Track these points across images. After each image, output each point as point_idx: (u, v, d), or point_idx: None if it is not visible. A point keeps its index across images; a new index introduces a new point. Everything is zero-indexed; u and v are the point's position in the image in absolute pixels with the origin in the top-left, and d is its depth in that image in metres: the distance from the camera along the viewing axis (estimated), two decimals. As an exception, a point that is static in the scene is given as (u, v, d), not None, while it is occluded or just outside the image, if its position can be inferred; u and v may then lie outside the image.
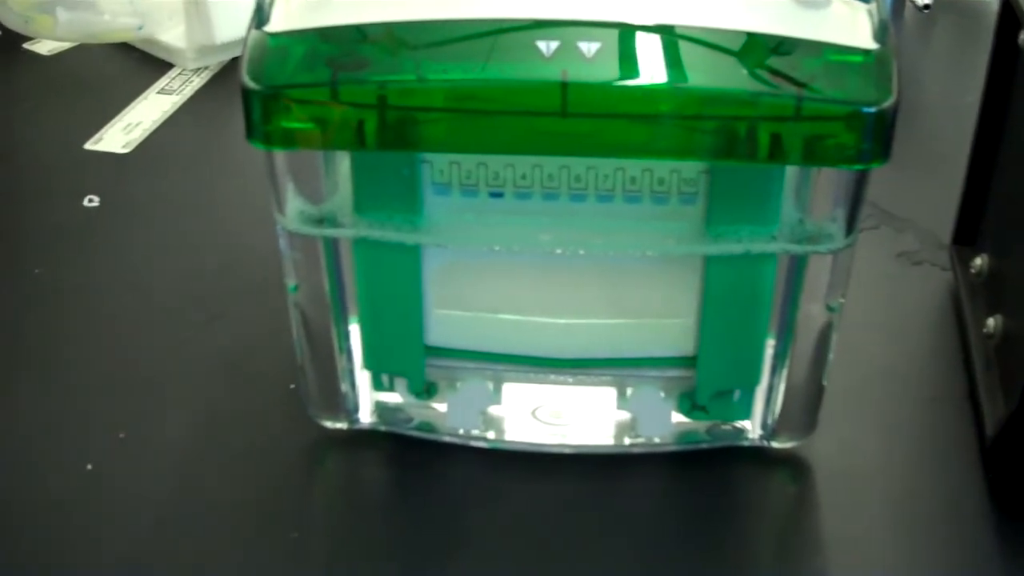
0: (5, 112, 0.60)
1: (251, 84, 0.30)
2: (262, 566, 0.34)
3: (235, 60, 0.64)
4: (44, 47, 0.65)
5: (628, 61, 0.29)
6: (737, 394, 0.37)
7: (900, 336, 0.44)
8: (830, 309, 0.34)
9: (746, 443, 0.38)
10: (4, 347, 0.43)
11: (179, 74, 0.62)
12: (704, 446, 0.38)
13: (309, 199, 0.33)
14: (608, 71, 0.29)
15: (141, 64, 0.64)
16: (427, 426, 0.38)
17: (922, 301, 0.46)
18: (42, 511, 0.36)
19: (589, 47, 0.29)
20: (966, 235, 0.45)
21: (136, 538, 0.35)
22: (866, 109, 0.29)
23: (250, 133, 0.31)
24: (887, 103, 0.29)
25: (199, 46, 0.62)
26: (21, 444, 0.38)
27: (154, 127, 0.57)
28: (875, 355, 0.42)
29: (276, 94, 0.30)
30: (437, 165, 0.33)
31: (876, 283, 0.46)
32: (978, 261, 0.43)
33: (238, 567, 0.34)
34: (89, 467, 0.37)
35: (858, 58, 0.31)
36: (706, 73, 0.30)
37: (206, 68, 0.63)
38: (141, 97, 0.60)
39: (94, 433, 0.39)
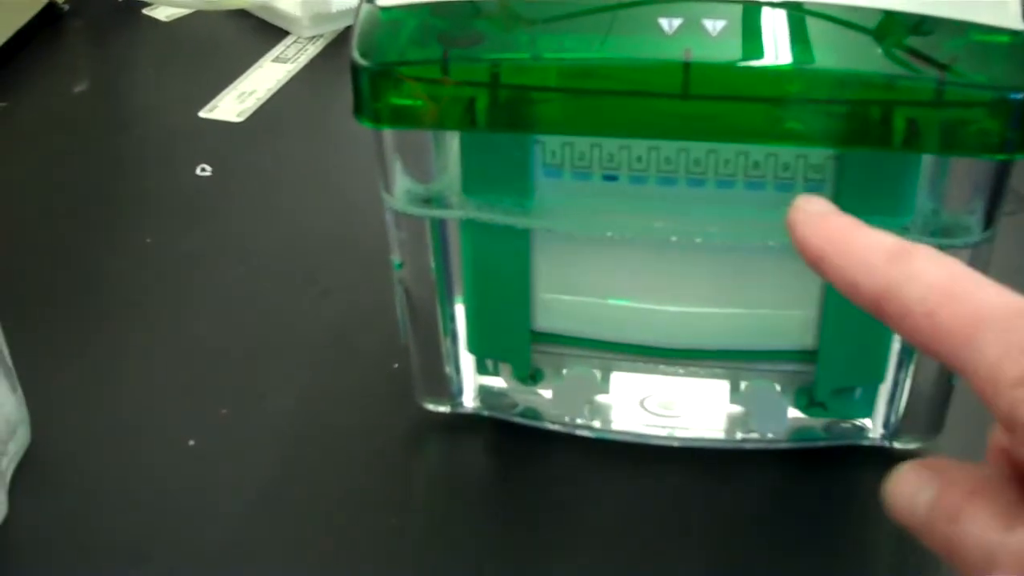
0: (124, 78, 0.61)
1: (361, 60, 0.29)
2: (360, 548, 0.34)
3: (350, 28, 0.63)
4: (163, 13, 0.65)
5: (755, 40, 0.28)
6: (859, 391, 0.35)
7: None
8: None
9: (866, 443, 0.36)
10: (113, 316, 0.43)
11: (294, 42, 0.62)
12: (821, 444, 0.36)
13: (417, 179, 0.32)
14: (733, 51, 0.27)
15: (257, 31, 0.63)
16: (531, 413, 0.37)
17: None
18: (144, 486, 0.36)
19: (714, 25, 0.28)
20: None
21: (234, 516, 0.35)
22: (1013, 95, 0.27)
23: (358, 110, 0.30)
24: (1036, 89, 0.27)
25: (315, 13, 0.61)
26: (125, 417, 0.38)
27: (268, 95, 0.57)
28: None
29: (386, 71, 0.29)
30: (549, 146, 0.31)
31: (1013, 274, 0.43)
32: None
33: (335, 549, 0.34)
34: (191, 443, 0.37)
35: (1005, 39, 0.28)
36: (838, 53, 0.28)
37: (321, 36, 0.62)
38: (256, 65, 0.60)
39: (197, 408, 0.39)
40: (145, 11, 0.66)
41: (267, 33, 0.63)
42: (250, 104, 0.56)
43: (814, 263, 0.26)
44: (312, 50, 0.61)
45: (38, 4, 0.63)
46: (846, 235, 0.26)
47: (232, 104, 0.56)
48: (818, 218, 0.27)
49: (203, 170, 0.51)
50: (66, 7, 0.65)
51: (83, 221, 0.48)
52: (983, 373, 0.22)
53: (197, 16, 0.65)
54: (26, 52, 0.61)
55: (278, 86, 0.58)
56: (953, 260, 0.25)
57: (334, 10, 0.61)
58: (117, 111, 0.58)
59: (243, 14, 0.65)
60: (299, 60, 0.60)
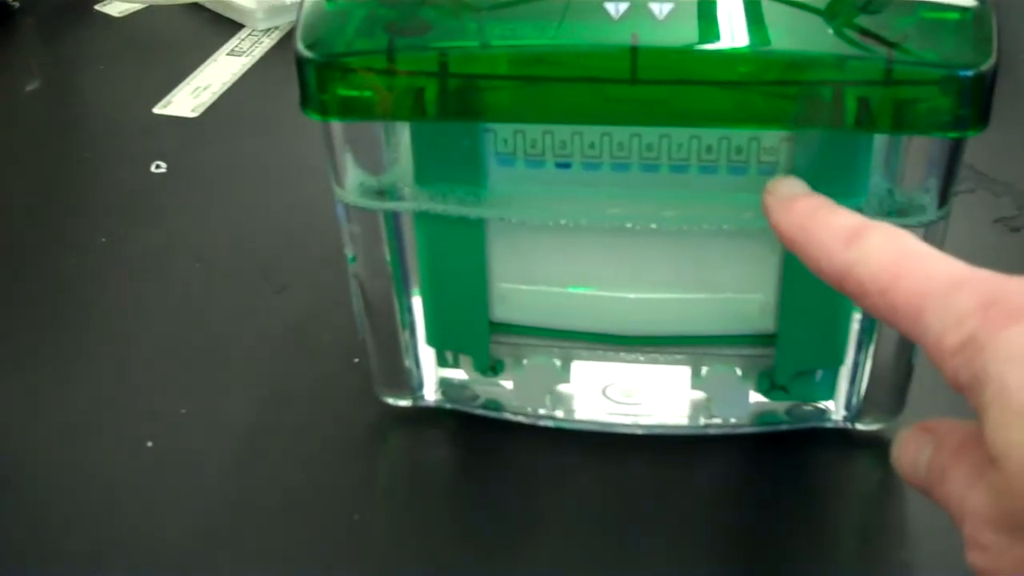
0: (77, 75, 0.60)
1: (305, 52, 0.29)
2: (324, 546, 0.34)
3: (305, 20, 0.62)
4: (115, 8, 0.65)
5: (702, 23, 0.27)
6: (819, 374, 0.35)
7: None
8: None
9: (829, 425, 0.36)
10: (68, 316, 0.42)
11: (249, 35, 0.61)
12: (784, 428, 0.36)
13: (369, 171, 0.32)
14: (681, 34, 0.27)
15: (211, 25, 0.63)
16: (493, 404, 0.37)
17: (1020, 269, 0.43)
18: (102, 487, 0.35)
19: (661, 8, 0.27)
20: (1069, 202, 0.42)
21: (196, 515, 0.34)
22: (963, 72, 0.27)
23: (305, 103, 0.29)
24: (986, 66, 0.27)
25: (269, 6, 0.61)
26: (82, 418, 0.38)
27: (223, 90, 0.56)
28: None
29: (332, 62, 0.28)
30: (501, 134, 0.31)
31: (971, 250, 0.43)
32: (1082, 230, 0.40)
33: (299, 546, 0.34)
34: (150, 444, 0.37)
35: (954, 15, 0.28)
36: (788, 34, 0.28)
37: (276, 29, 0.62)
38: (211, 59, 0.59)
39: (156, 408, 0.38)
40: (97, 7, 0.65)
41: (221, 27, 0.62)
42: (205, 99, 0.56)
43: (788, 247, 0.28)
44: (267, 43, 0.61)
45: (-14, 2, 0.62)
46: (809, 220, 0.27)
47: (186, 99, 0.56)
48: (787, 203, 0.28)
49: (157, 167, 0.50)
50: (16, 5, 0.64)
51: (36, 220, 0.48)
52: (931, 344, 0.24)
53: (150, 11, 0.64)
54: (-25, 52, 0.60)
55: (233, 80, 0.57)
56: (905, 236, 0.26)
57: (288, 2, 0.61)
58: (70, 109, 0.57)
59: (197, 8, 0.64)
60: (254, 53, 0.60)
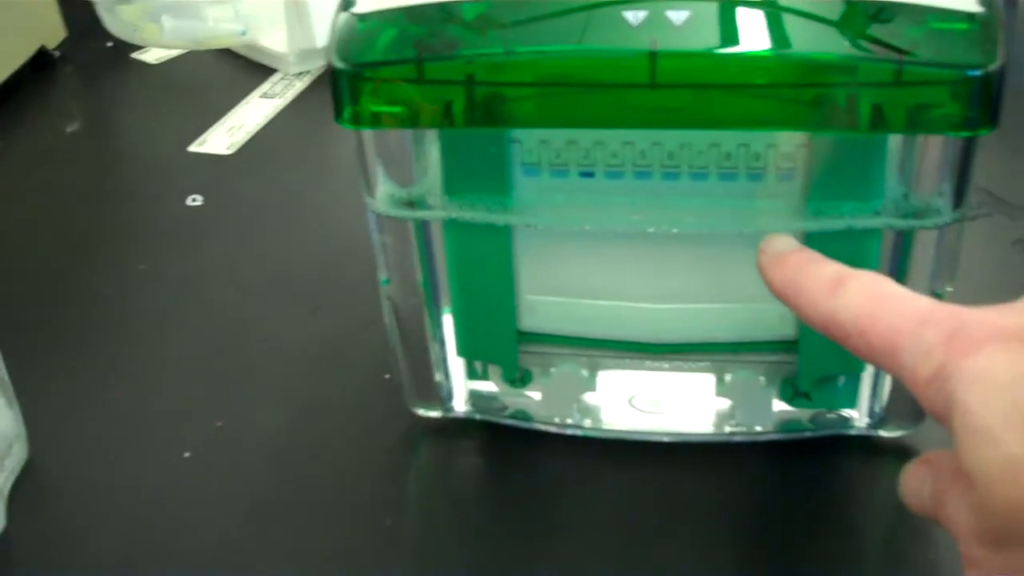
0: (115, 117, 0.62)
1: (339, 64, 0.30)
2: (357, 553, 0.34)
3: (335, 63, 0.64)
4: (151, 56, 0.67)
5: (719, 29, 0.29)
6: (842, 380, 0.36)
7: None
8: (937, 295, 0.33)
9: (852, 432, 0.37)
10: (108, 339, 0.44)
11: (281, 79, 0.63)
12: (807, 435, 0.37)
13: (399, 181, 0.33)
14: (698, 39, 0.28)
15: (244, 70, 0.65)
16: (522, 414, 0.38)
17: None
18: (140, 498, 0.36)
19: (678, 16, 0.28)
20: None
21: (231, 525, 0.35)
22: (971, 72, 0.28)
23: (339, 114, 0.31)
24: (993, 66, 0.28)
25: (300, 50, 0.62)
26: (121, 432, 0.39)
27: (256, 129, 0.58)
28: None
29: (363, 73, 0.30)
30: (526, 144, 0.32)
31: (991, 272, 0.44)
32: (1099, 245, 0.41)
33: (333, 554, 0.34)
34: (187, 455, 0.38)
35: (962, 24, 0.29)
36: (801, 41, 0.29)
37: (307, 72, 0.64)
38: (244, 101, 0.61)
39: (192, 422, 0.39)
40: (134, 55, 0.67)
41: (254, 71, 0.64)
42: (239, 138, 0.57)
43: (782, 300, 0.30)
44: (299, 86, 0.62)
45: (29, 51, 0.64)
46: (797, 274, 0.30)
47: (221, 138, 0.57)
48: (779, 259, 0.31)
49: (193, 200, 0.52)
50: (57, 53, 0.66)
51: (77, 249, 0.49)
52: (908, 378, 0.26)
53: (185, 58, 0.66)
54: (18, 96, 0.62)
55: (266, 120, 0.59)
56: (883, 281, 0.28)
57: (319, 46, 0.62)
58: (109, 148, 0.59)
59: (230, 54, 0.66)
60: (286, 95, 0.61)
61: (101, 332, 0.44)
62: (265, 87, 0.62)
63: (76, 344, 0.43)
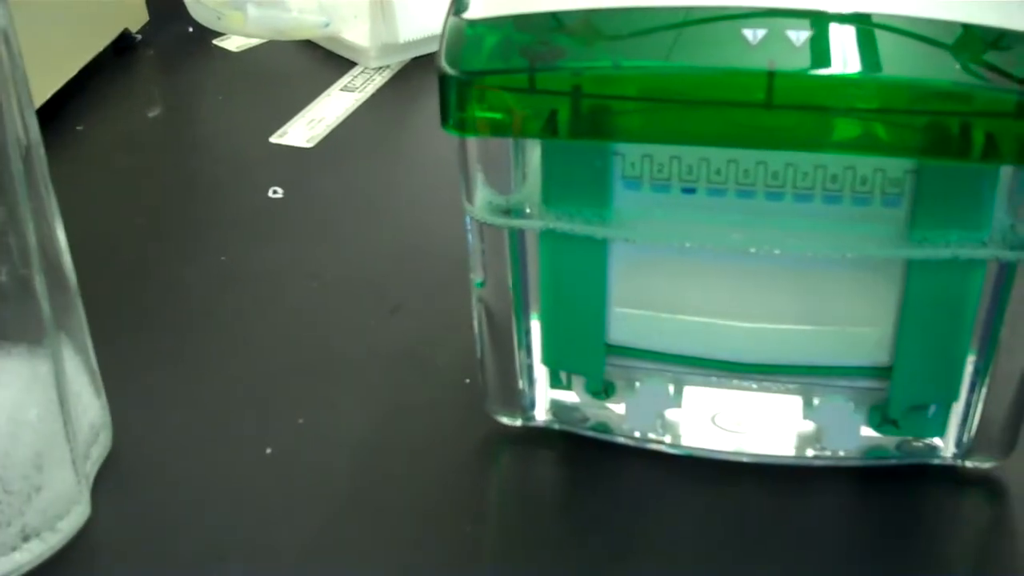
0: (197, 105, 0.62)
1: (448, 70, 0.30)
2: (437, 558, 0.34)
3: (416, 60, 0.64)
4: (233, 44, 0.67)
5: (838, 52, 0.28)
6: (932, 409, 0.35)
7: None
8: (1040, 327, 0.32)
9: (937, 461, 0.36)
10: (189, 327, 0.44)
11: (361, 72, 0.63)
12: (892, 462, 0.36)
13: (498, 189, 0.33)
14: (816, 61, 0.28)
15: (325, 62, 0.65)
16: (603, 427, 0.38)
17: None
18: (221, 492, 0.36)
19: (798, 36, 0.28)
20: None
21: (311, 524, 0.35)
22: (1094, 107, 0.27)
23: (445, 120, 0.30)
24: (1117, 101, 0.27)
25: (382, 45, 0.63)
26: (203, 424, 0.39)
27: (336, 123, 0.58)
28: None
29: (472, 80, 0.30)
30: (629, 158, 0.32)
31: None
32: None
33: (411, 557, 0.34)
34: (269, 451, 0.38)
35: (1082, 55, 0.29)
36: (918, 66, 0.29)
37: (387, 67, 0.64)
38: (324, 94, 0.61)
39: (274, 417, 0.39)
40: (215, 41, 0.67)
41: (334, 63, 0.64)
42: (319, 131, 0.57)
43: None
44: (379, 80, 0.63)
45: (111, 34, 0.64)
46: None
47: (301, 130, 0.57)
48: None
49: (275, 192, 0.52)
50: (138, 37, 0.67)
51: (160, 238, 0.50)
52: None
53: (266, 47, 0.67)
54: (99, 79, 0.63)
55: (346, 114, 0.59)
56: None
57: (401, 41, 0.62)
58: (190, 135, 0.59)
59: (311, 45, 0.66)
60: (366, 90, 0.61)
61: (184, 323, 0.44)
62: (345, 80, 0.63)
63: (160, 334, 0.43)
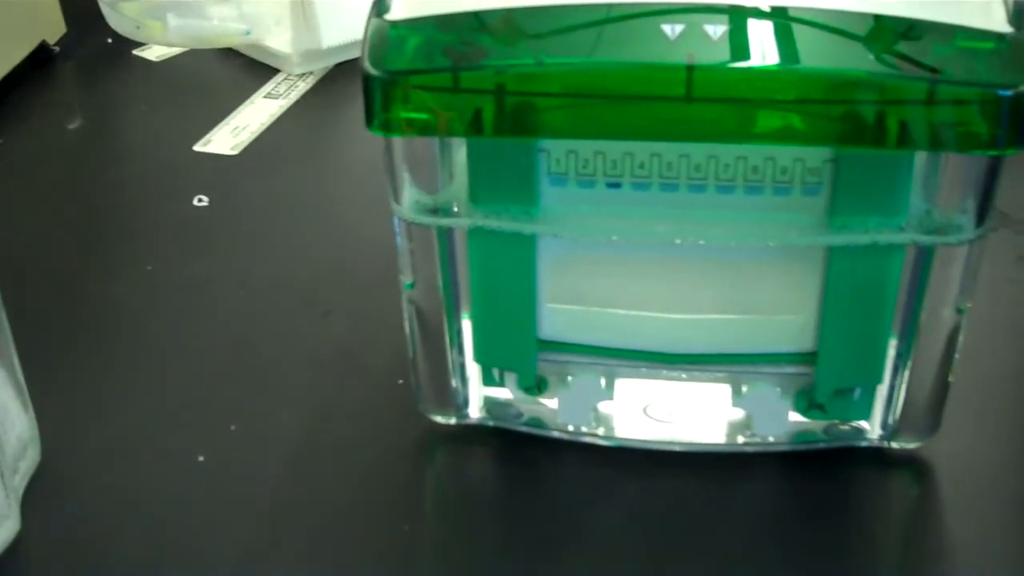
0: (118, 116, 0.62)
1: (372, 71, 0.30)
2: (372, 559, 0.34)
3: (339, 65, 0.64)
4: (153, 53, 0.66)
5: (755, 45, 0.29)
6: (858, 393, 0.36)
7: (1021, 339, 0.42)
8: (959, 311, 0.33)
9: (864, 444, 0.37)
10: (118, 340, 0.43)
11: (285, 79, 0.63)
12: (820, 446, 0.37)
13: (425, 189, 0.33)
14: (734, 55, 0.28)
15: (247, 69, 0.64)
16: (536, 422, 0.38)
17: (1046, 304, 0.44)
18: (153, 503, 0.36)
19: (716, 30, 0.29)
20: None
21: (246, 531, 0.35)
22: (1002, 92, 0.28)
23: (370, 121, 0.31)
24: (1023, 86, 0.28)
25: (305, 51, 0.62)
26: (133, 435, 0.39)
27: (261, 130, 0.58)
28: (997, 357, 0.41)
29: (396, 81, 0.30)
30: (554, 154, 0.32)
31: (996, 286, 0.45)
32: (1106, 262, 0.42)
33: (348, 560, 0.34)
34: (201, 458, 0.38)
35: (989, 44, 0.30)
36: (833, 57, 0.29)
37: (311, 73, 0.63)
38: (248, 101, 0.61)
39: (205, 425, 0.39)
40: (135, 51, 0.67)
41: (257, 71, 0.64)
42: (244, 138, 0.57)
43: None
44: (303, 86, 0.62)
45: (28, 46, 0.63)
46: None
47: (226, 138, 0.57)
48: None
49: (200, 201, 0.52)
50: (56, 49, 0.66)
51: (85, 250, 0.49)
52: None
53: (187, 55, 0.66)
54: (18, 92, 0.62)
55: (271, 120, 0.59)
56: None
57: (324, 47, 0.62)
58: (112, 146, 0.58)
59: (232, 53, 0.66)
60: (291, 96, 0.61)
61: (111, 334, 0.44)
62: (269, 87, 0.62)
63: (86, 346, 0.43)
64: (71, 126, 0.59)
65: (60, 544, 0.35)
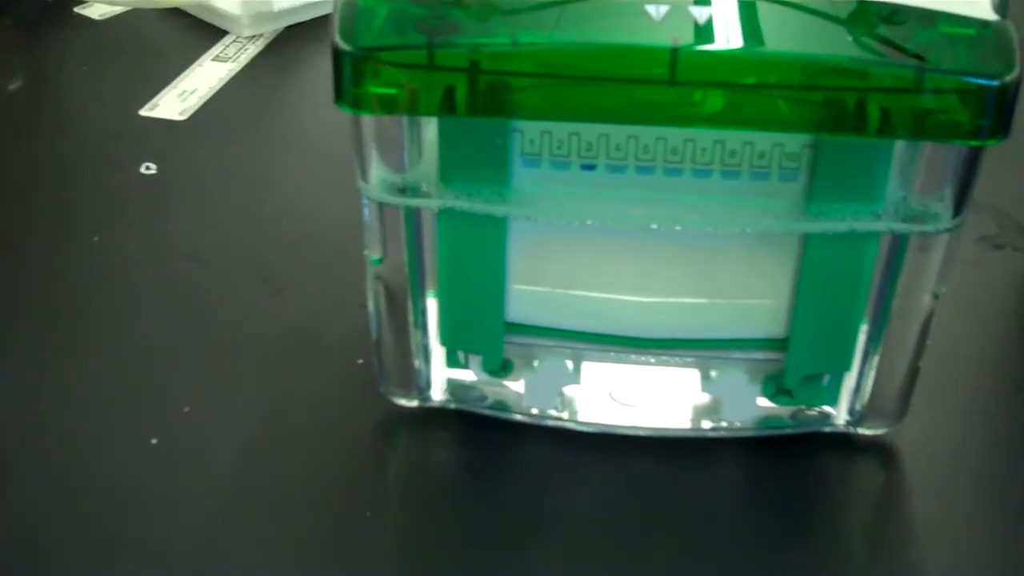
0: (60, 76, 0.59)
1: (343, 45, 0.29)
2: (333, 547, 0.33)
3: (291, 28, 0.62)
4: (96, 11, 0.64)
5: (740, 29, 0.28)
6: (826, 379, 0.36)
7: (984, 321, 0.43)
8: (935, 297, 0.33)
9: (830, 429, 0.37)
10: (64, 314, 0.42)
11: (234, 41, 0.61)
12: (787, 432, 0.37)
13: (393, 168, 0.32)
14: (719, 38, 0.28)
15: (194, 31, 0.62)
16: (501, 405, 0.37)
17: (1006, 286, 0.45)
18: (105, 488, 0.35)
19: (701, 13, 0.28)
20: (1055, 219, 0.44)
21: (201, 514, 0.34)
22: (987, 82, 0.28)
23: (339, 96, 0.29)
24: (1010, 76, 0.28)
25: (255, 12, 0.60)
26: (83, 417, 0.37)
27: (210, 94, 0.56)
28: (960, 341, 0.41)
29: (368, 56, 0.29)
30: (528, 135, 0.31)
31: (957, 267, 0.45)
32: (1068, 246, 0.42)
33: (309, 548, 0.33)
34: (154, 441, 0.36)
35: (971, 30, 0.29)
36: (815, 42, 0.29)
37: (261, 36, 0.62)
38: (196, 64, 0.59)
39: (158, 406, 0.38)
40: (77, 9, 0.64)
41: (204, 32, 0.62)
42: (192, 103, 0.55)
43: None
44: (253, 49, 0.60)
45: (-37, 1, 0.61)
46: None
47: (173, 102, 0.55)
48: None
49: (147, 168, 0.50)
50: (-7, 5, 0.63)
51: (26, 220, 0.47)
52: None
53: (131, 15, 0.64)
54: (-47, 50, 0.59)
55: (220, 84, 0.57)
56: None
57: (275, 9, 0.60)
58: (55, 109, 0.56)
59: (178, 13, 0.64)
60: (240, 59, 0.59)
61: (57, 311, 0.42)
62: (217, 50, 0.60)
63: (30, 324, 0.41)
64: (11, 87, 0.57)
65: (8, 532, 0.33)
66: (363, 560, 0.33)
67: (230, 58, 0.59)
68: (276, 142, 0.53)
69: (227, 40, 0.61)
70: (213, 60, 0.59)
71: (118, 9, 0.64)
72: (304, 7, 0.61)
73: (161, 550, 0.33)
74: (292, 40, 0.62)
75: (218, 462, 0.36)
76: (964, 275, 0.45)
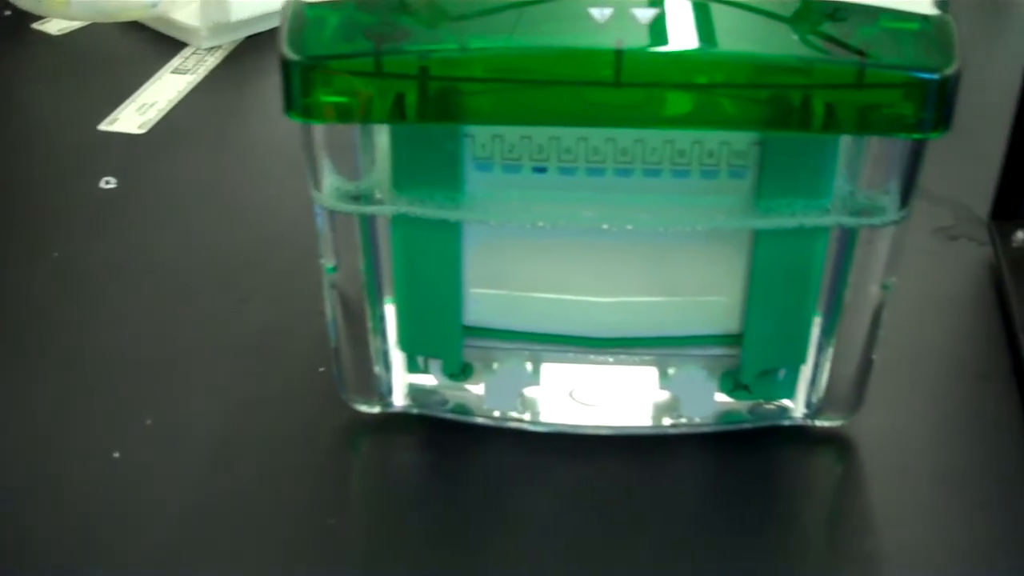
0: (17, 93, 0.59)
1: (291, 55, 0.29)
2: (297, 554, 0.33)
3: (250, 39, 0.62)
4: (54, 27, 0.64)
5: (683, 29, 0.28)
6: (782, 373, 0.36)
7: (940, 311, 0.43)
8: (884, 288, 0.33)
9: (788, 422, 0.37)
10: (24, 331, 0.42)
11: (193, 53, 0.61)
12: (746, 426, 0.37)
13: (346, 176, 0.32)
14: (663, 39, 0.28)
15: (153, 43, 0.62)
16: (462, 408, 0.37)
17: (961, 276, 0.45)
18: (69, 502, 0.35)
19: (644, 14, 0.28)
20: (1006, 209, 0.44)
21: (165, 526, 0.34)
22: (928, 76, 0.28)
23: (289, 106, 0.30)
24: (950, 70, 0.28)
25: (213, 24, 0.61)
26: (45, 431, 0.37)
27: (169, 107, 0.56)
28: (917, 331, 0.41)
29: (316, 65, 0.29)
30: (479, 139, 0.32)
31: (913, 258, 0.45)
32: (1020, 235, 0.43)
33: (273, 556, 0.33)
34: (116, 455, 0.36)
35: (914, 25, 0.30)
36: (760, 41, 0.29)
37: (219, 47, 0.62)
38: (155, 77, 0.59)
39: (120, 420, 0.38)
40: (34, 25, 0.64)
41: (163, 45, 0.62)
42: (151, 116, 0.55)
43: None
44: (211, 61, 0.61)
45: (-80, 19, 0.61)
46: None
47: (132, 116, 0.55)
48: None
49: (107, 183, 0.50)
50: (-51, 22, 0.63)
51: (-15, 235, 0.47)
52: None
53: (89, 29, 0.64)
54: (-90, 68, 0.59)
55: (179, 97, 0.57)
56: None
57: (233, 20, 0.60)
58: (12, 125, 0.56)
59: (136, 26, 0.64)
60: (199, 71, 0.59)
61: (18, 325, 0.42)
62: (176, 62, 0.60)
63: (-9, 338, 0.41)
64: (-33, 104, 0.57)
65: (-30, 548, 0.33)
66: (328, 565, 0.33)
67: (189, 70, 0.59)
68: (236, 153, 0.53)
69: (186, 52, 0.61)
70: (172, 72, 0.59)
71: (76, 24, 0.64)
72: (262, 18, 0.61)
73: (124, 562, 0.33)
74: (251, 51, 0.62)
75: (181, 473, 0.36)
76: (921, 266, 0.45)
